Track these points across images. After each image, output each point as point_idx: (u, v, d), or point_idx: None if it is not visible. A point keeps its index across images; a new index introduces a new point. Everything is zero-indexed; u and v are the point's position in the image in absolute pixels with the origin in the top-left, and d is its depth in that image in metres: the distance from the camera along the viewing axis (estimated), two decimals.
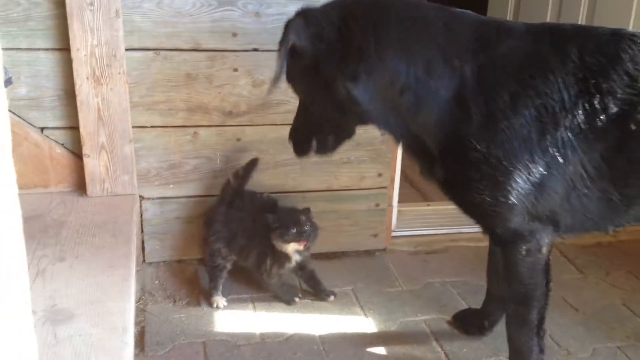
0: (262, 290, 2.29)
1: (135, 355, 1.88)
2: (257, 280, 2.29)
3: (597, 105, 1.46)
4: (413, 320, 2.14)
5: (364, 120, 1.69)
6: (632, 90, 1.46)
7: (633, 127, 1.46)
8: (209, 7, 2.12)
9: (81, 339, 1.40)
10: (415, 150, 1.67)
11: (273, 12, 2.17)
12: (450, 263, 2.56)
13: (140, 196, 2.29)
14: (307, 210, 2.13)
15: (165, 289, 2.28)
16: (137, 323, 2.02)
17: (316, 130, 1.75)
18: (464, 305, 2.24)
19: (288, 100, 2.26)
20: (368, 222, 2.51)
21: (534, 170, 1.49)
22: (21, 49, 2.05)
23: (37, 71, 2.09)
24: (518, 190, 1.50)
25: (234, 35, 2.16)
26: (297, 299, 2.22)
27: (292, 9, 1.64)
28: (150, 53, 2.13)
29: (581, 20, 3.02)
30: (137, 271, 2.22)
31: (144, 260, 2.40)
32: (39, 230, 1.93)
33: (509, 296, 1.72)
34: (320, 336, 2.06)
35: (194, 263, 2.44)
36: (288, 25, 1.55)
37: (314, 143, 1.77)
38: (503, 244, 1.63)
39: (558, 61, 1.49)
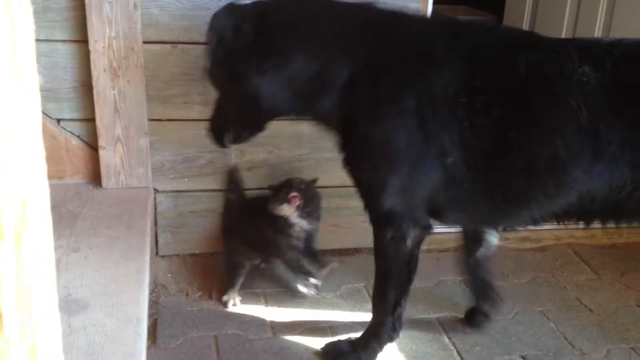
0: (274, 285, 2.29)
1: (147, 347, 1.88)
2: (268, 275, 2.30)
3: (479, 105, 1.48)
4: (425, 317, 2.14)
5: (275, 112, 1.79)
6: (516, 97, 1.49)
7: (513, 133, 1.49)
8: (228, 0, 2.12)
9: (95, 329, 1.41)
10: (326, 128, 1.79)
11: None
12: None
13: (154, 189, 2.30)
14: (309, 181, 2.15)
15: (178, 282, 2.29)
16: (149, 315, 2.02)
17: (231, 122, 1.82)
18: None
19: None
20: None
21: (410, 156, 1.56)
22: (39, 40, 2.06)
23: (55, 62, 2.09)
24: (394, 173, 1.59)
25: None
26: (307, 291, 2.19)
27: None
28: (168, 46, 2.14)
29: (598, 29, 2.99)
30: (150, 264, 2.22)
31: (157, 253, 2.41)
32: (54, 221, 1.92)
33: (375, 270, 1.81)
34: (332, 331, 2.05)
35: (207, 257, 2.44)
36: (214, 15, 1.69)
37: (231, 134, 1.84)
38: (375, 225, 1.73)
39: (447, 57, 1.52)
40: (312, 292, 2.20)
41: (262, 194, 2.26)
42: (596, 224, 1.64)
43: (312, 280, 2.18)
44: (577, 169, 1.47)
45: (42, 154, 0.32)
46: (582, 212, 1.58)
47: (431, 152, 1.54)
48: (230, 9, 1.68)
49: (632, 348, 2.05)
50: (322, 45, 1.62)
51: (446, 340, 2.04)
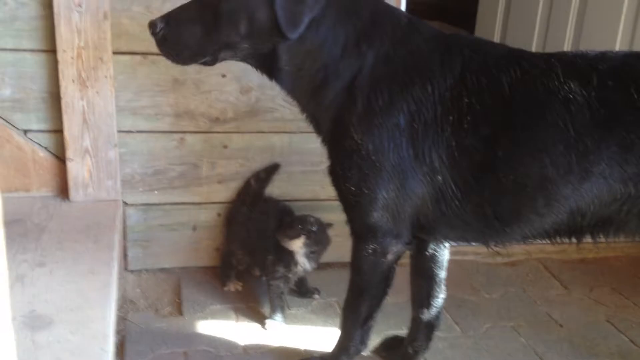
0: (244, 301, 2.26)
1: None
2: (241, 291, 2.29)
3: (466, 125, 1.48)
4: (397, 332, 2.12)
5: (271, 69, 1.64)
6: (503, 116, 1.47)
7: (501, 152, 1.48)
8: None
9: (60, 345, 1.37)
10: (314, 128, 1.72)
11: None
12: None
13: (123, 202, 2.26)
14: (326, 224, 2.18)
15: (147, 298, 2.24)
16: (117, 331, 1.97)
17: (203, 38, 1.55)
18: (447, 318, 2.22)
19: (276, 108, 2.25)
20: None
21: (399, 171, 1.53)
22: (6, 49, 2.02)
23: (22, 72, 2.05)
24: (382, 186, 1.56)
25: None
26: (276, 319, 2.16)
27: None
28: (138, 57, 2.11)
29: (567, 43, 3.04)
30: (119, 279, 2.18)
31: (126, 268, 2.36)
32: (19, 234, 1.89)
33: (349, 283, 1.78)
34: (303, 347, 2.03)
35: (177, 272, 2.40)
36: None
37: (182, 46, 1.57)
38: (356, 237, 1.70)
39: (441, 73, 1.51)
40: (277, 329, 2.16)
41: (276, 199, 2.32)
42: (574, 240, 1.63)
43: (279, 319, 2.16)
44: (566, 187, 1.46)
45: None
46: (573, 229, 1.56)
47: (421, 169, 1.53)
48: None
49: None
50: (349, 31, 1.56)
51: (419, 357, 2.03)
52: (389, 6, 1.63)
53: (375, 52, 1.54)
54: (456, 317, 2.27)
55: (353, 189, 1.59)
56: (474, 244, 1.78)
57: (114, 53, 2.05)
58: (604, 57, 1.47)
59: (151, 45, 2.08)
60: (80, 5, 1.95)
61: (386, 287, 1.75)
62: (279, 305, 2.16)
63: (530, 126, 1.46)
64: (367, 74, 1.54)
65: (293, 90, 1.65)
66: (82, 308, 1.53)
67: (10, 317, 0.33)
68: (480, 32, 3.85)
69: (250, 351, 2.00)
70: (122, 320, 2.08)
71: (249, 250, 2.25)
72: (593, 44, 2.86)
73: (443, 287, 1.95)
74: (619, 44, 2.78)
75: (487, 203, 1.55)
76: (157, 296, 2.26)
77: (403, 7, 2.33)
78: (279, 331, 2.11)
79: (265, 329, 2.12)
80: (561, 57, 1.52)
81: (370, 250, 1.66)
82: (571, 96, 1.42)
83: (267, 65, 1.62)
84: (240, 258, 2.29)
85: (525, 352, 2.09)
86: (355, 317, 1.79)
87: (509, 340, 2.15)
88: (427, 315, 1.94)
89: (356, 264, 1.73)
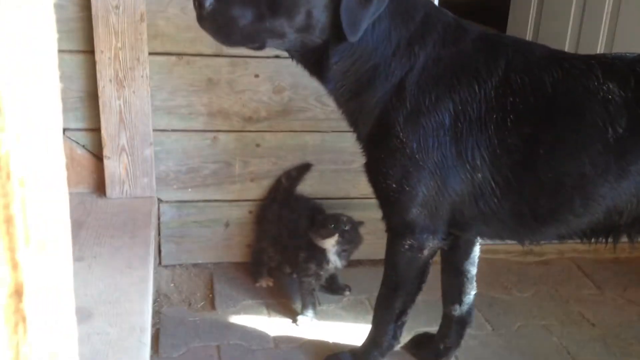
0: (275, 297, 2.29)
1: (150, 356, 1.89)
2: (273, 286, 2.32)
3: (509, 123, 1.49)
4: (428, 330, 2.13)
5: (319, 67, 1.62)
6: (544, 115, 1.49)
7: (542, 150, 1.49)
8: None
9: (99, 337, 1.41)
10: (351, 125, 1.73)
11: None
12: None
13: (158, 199, 2.31)
14: (358, 222, 2.19)
15: (180, 292, 2.29)
16: (152, 325, 2.02)
17: (254, 23, 1.51)
18: (479, 317, 2.22)
19: (309, 107, 2.27)
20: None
21: (441, 168, 1.55)
22: None
23: (61, 73, 2.10)
24: (423, 183, 1.58)
25: None
26: (307, 315, 2.18)
27: None
28: (173, 57, 2.15)
29: (601, 43, 3.00)
30: (153, 273, 2.23)
31: (160, 263, 2.41)
32: None
33: (383, 278, 1.81)
34: (334, 342, 2.05)
35: (210, 267, 2.44)
36: None
37: (240, 25, 1.51)
38: (393, 233, 1.72)
39: (486, 73, 1.53)
40: (308, 325, 2.19)
41: (306, 197, 2.35)
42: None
43: (310, 315, 2.18)
44: (603, 186, 1.47)
45: (62, 160, 0.33)
46: (610, 228, 1.57)
47: (462, 167, 1.55)
48: None
49: None
50: (406, 30, 1.57)
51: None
52: (439, 8, 1.65)
53: (426, 53, 1.56)
54: (488, 315, 2.26)
55: (394, 185, 1.61)
56: (508, 241, 1.80)
57: (150, 54, 2.10)
58: None
59: (186, 46, 2.14)
60: (117, 7, 2.00)
61: (421, 282, 1.77)
62: (310, 302, 2.18)
63: (570, 125, 1.48)
64: (416, 75, 1.56)
65: (336, 88, 1.65)
66: (119, 301, 1.57)
67: (73, 308, 0.35)
68: (511, 31, 3.82)
69: (281, 346, 2.03)
70: (156, 313, 2.13)
71: (280, 247, 2.28)
72: (627, 44, 2.82)
73: (474, 284, 1.96)
74: None
75: (525, 201, 1.56)
76: (190, 291, 2.30)
77: None
78: (310, 327, 2.14)
79: (297, 324, 2.15)
80: (600, 59, 1.54)
81: (407, 246, 1.68)
82: (610, 97, 1.44)
83: (313, 60, 1.62)
84: (271, 255, 2.32)
85: (557, 351, 2.09)
86: (389, 312, 1.81)
87: (541, 339, 2.15)
88: (459, 311, 1.95)
89: (392, 260, 1.75)
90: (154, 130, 2.19)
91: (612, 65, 1.49)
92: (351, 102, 1.66)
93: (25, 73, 0.27)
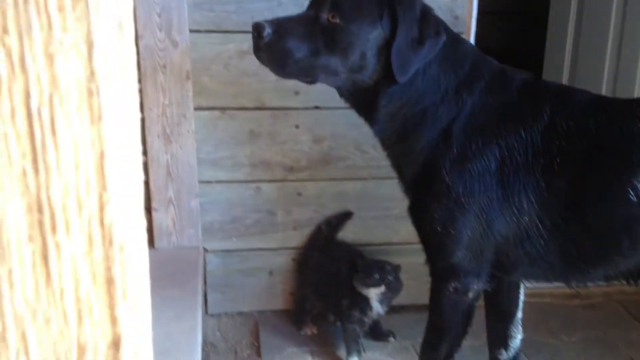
0: (320, 344, 2.30)
1: None
2: (317, 334, 2.33)
3: (556, 167, 1.52)
4: None
5: (367, 108, 1.66)
6: (590, 159, 1.52)
7: (589, 193, 1.52)
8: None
9: None
10: (395, 168, 1.77)
11: None
12: None
13: (204, 248, 2.36)
14: (394, 265, 2.19)
15: (226, 341, 2.32)
16: None
17: (309, 58, 1.57)
18: None
19: (349, 155, 2.32)
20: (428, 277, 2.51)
21: (487, 212, 1.57)
22: None
23: None
24: (468, 227, 1.60)
25: (296, 93, 2.24)
26: None
27: None
28: (217, 112, 2.24)
29: (638, 87, 3.01)
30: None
31: (206, 312, 2.45)
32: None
33: (428, 323, 1.82)
34: None
35: (255, 315, 2.47)
36: None
37: (295, 58, 1.56)
38: (437, 277, 1.74)
39: (532, 119, 1.56)
40: None
41: (346, 243, 2.37)
42: None
43: None
44: None
45: (144, 224, 0.37)
46: None
47: (508, 210, 1.57)
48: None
49: None
50: (453, 77, 1.62)
51: None
52: (485, 57, 1.70)
53: (473, 100, 1.61)
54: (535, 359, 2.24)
55: (439, 229, 1.63)
56: (554, 284, 1.80)
57: (195, 109, 2.19)
58: None
59: (229, 100, 2.23)
60: (165, 67, 2.10)
61: (466, 326, 1.79)
62: (355, 349, 2.19)
63: (616, 168, 1.51)
64: (463, 121, 1.60)
65: (383, 131, 1.69)
66: (170, 351, 1.61)
67: (152, 355, 0.39)
68: (547, 74, 3.83)
69: None
70: None
71: (322, 294, 2.30)
72: None
73: (520, 328, 1.96)
74: None
75: (572, 243, 1.58)
76: (236, 339, 2.33)
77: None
78: None
79: None
80: None
81: (451, 289, 1.69)
82: None
83: (362, 101, 1.67)
84: (313, 303, 2.34)
85: None
86: (435, 355, 1.82)
87: None
88: (505, 356, 1.95)
89: (437, 304, 1.76)
90: (200, 182, 2.26)
91: None
92: (397, 145, 1.70)
93: (124, 159, 0.32)
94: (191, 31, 2.13)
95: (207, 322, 2.42)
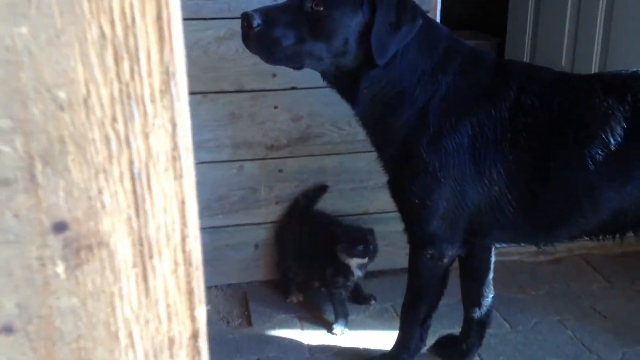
0: (307, 310, 2.46)
1: None
2: (303, 301, 2.49)
3: (522, 141, 1.66)
4: (451, 332, 2.29)
5: (350, 90, 1.78)
6: (554, 132, 1.65)
7: (553, 163, 1.65)
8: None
9: None
10: (374, 146, 1.88)
11: None
12: None
13: None
14: (372, 231, 2.31)
15: (218, 312, 2.46)
16: None
17: (296, 45, 1.67)
18: (497, 316, 2.38)
19: (326, 132, 2.44)
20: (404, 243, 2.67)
21: (460, 185, 1.71)
22: None
23: None
24: (444, 199, 1.73)
25: (274, 75, 2.35)
26: (339, 330, 2.33)
27: None
28: (199, 96, 2.33)
29: (596, 51, 3.16)
30: None
31: None
32: None
33: (407, 286, 1.97)
34: (364, 349, 2.22)
35: (244, 286, 2.61)
36: None
37: (283, 46, 1.66)
38: (415, 245, 1.88)
39: (501, 97, 1.69)
40: (342, 333, 2.34)
41: (323, 213, 2.50)
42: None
43: (343, 323, 2.35)
44: (610, 191, 1.63)
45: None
46: (616, 227, 1.73)
47: (480, 182, 1.70)
48: None
49: None
50: (430, 58, 1.74)
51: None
52: (458, 39, 1.82)
53: (447, 81, 1.73)
54: (505, 314, 2.42)
55: (417, 202, 1.77)
56: (523, 244, 1.96)
57: None
58: (635, 76, 1.65)
59: (209, 85, 2.33)
60: None
61: (442, 288, 1.94)
62: (342, 311, 2.35)
63: (577, 139, 1.63)
64: (438, 101, 1.73)
65: (364, 111, 1.81)
66: None
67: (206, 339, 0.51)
68: (510, 41, 3.98)
69: (316, 355, 2.20)
70: None
71: (304, 263, 2.44)
72: (620, 48, 2.98)
73: (492, 287, 2.12)
74: None
75: (539, 209, 1.73)
76: (227, 310, 2.47)
77: (438, 19, 2.50)
78: (343, 335, 2.30)
79: (333, 333, 2.31)
80: (600, 78, 1.71)
81: (428, 256, 1.84)
82: (610, 112, 1.60)
83: (344, 84, 1.78)
84: (296, 271, 2.48)
85: (572, 343, 2.24)
86: (415, 317, 1.98)
87: (556, 333, 2.30)
88: (479, 314, 2.11)
89: (415, 269, 1.91)
90: None
91: (610, 84, 1.66)
92: (377, 124, 1.82)
93: (193, 202, 0.45)
94: None
95: None
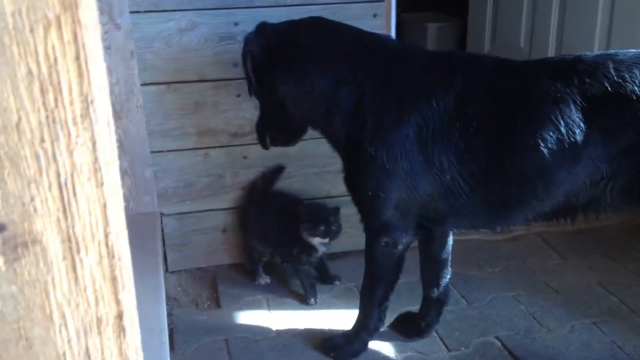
0: (274, 291, 2.55)
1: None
2: (270, 283, 2.58)
3: (472, 129, 1.73)
4: (410, 309, 2.39)
5: (299, 124, 2.09)
6: (504, 118, 1.73)
7: (505, 148, 1.73)
8: (212, 42, 2.38)
9: None
10: (330, 144, 2.05)
11: None
12: None
13: (160, 213, 2.56)
14: (336, 210, 2.40)
15: (187, 295, 2.54)
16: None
17: (268, 127, 2.14)
18: (455, 293, 2.49)
19: None
20: None
21: (411, 175, 1.79)
22: None
23: None
24: (395, 189, 1.82)
25: (235, 65, 2.41)
26: (312, 301, 2.46)
27: None
28: (163, 86, 2.39)
29: (552, 30, 3.26)
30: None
31: (166, 270, 2.66)
32: None
33: (365, 271, 2.06)
34: (328, 327, 2.32)
35: (212, 269, 2.70)
36: (246, 36, 1.98)
37: (268, 137, 2.16)
38: (370, 233, 1.96)
39: (442, 88, 1.76)
40: (315, 303, 2.47)
41: (284, 192, 2.59)
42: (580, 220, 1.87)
43: (315, 296, 2.48)
44: (561, 172, 1.70)
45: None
46: (569, 210, 1.80)
47: (430, 172, 1.77)
48: (259, 29, 1.96)
49: (593, 323, 2.31)
50: (336, 68, 1.87)
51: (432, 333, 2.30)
52: (373, 36, 1.92)
53: (373, 79, 1.82)
54: (463, 291, 2.53)
55: (370, 193, 1.85)
56: (481, 230, 2.05)
57: (142, 85, 2.34)
58: (579, 60, 1.71)
59: (172, 75, 2.39)
60: (109, 48, 2.23)
61: (398, 272, 2.03)
62: (311, 285, 2.47)
63: (527, 124, 1.70)
64: (370, 98, 1.81)
65: (318, 127, 2.04)
66: (138, 307, 1.82)
67: (137, 319, 0.58)
68: (472, 20, 4.07)
69: (282, 335, 2.29)
70: (168, 315, 2.37)
71: (268, 243, 2.52)
72: (574, 25, 3.08)
73: (449, 268, 2.22)
74: (597, 36, 3.00)
75: (493, 194, 1.80)
76: (196, 292, 2.56)
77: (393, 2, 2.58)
78: (307, 315, 2.40)
79: (310, 304, 2.45)
80: (546, 63, 1.78)
81: (383, 244, 1.92)
82: (558, 95, 1.66)
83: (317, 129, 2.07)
84: (260, 251, 2.55)
85: (525, 317, 2.35)
86: (373, 299, 2.07)
87: (510, 308, 2.41)
88: (437, 293, 2.20)
89: (371, 256, 2.00)
90: (152, 152, 2.43)
91: (556, 68, 1.72)
92: (328, 131, 1.99)
93: (116, 205, 0.54)
94: (131, 12, 2.26)
95: (168, 279, 2.63)
